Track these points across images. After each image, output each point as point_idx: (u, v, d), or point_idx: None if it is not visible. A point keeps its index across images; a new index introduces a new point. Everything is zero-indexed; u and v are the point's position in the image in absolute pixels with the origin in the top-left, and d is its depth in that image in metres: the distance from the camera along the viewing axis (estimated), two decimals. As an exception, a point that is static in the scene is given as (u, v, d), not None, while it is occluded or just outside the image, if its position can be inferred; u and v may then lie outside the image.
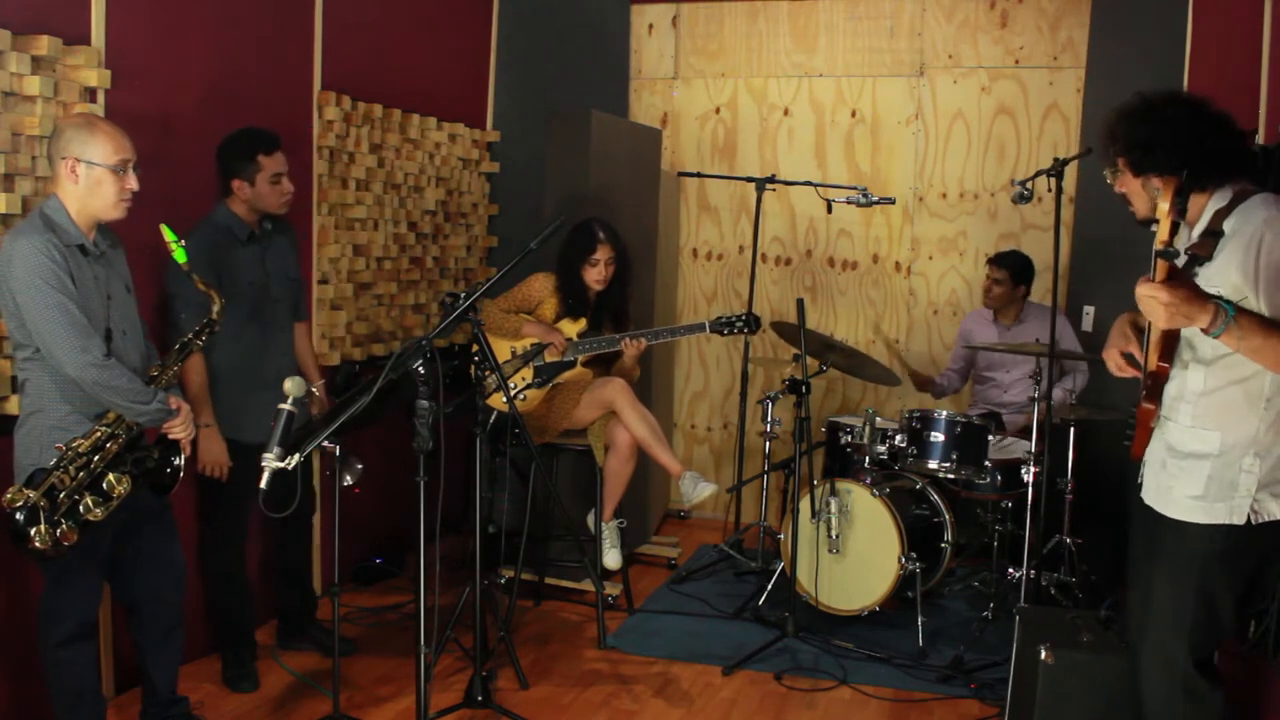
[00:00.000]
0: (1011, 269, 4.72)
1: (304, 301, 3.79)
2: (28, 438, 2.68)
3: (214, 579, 3.57)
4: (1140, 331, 2.49)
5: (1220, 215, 2.30)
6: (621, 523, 4.30)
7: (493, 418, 3.63)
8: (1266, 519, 2.31)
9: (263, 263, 3.49)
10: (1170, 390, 2.41)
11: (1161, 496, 2.44)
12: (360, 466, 3.57)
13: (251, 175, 3.37)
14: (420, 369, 2.87)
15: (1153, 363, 2.34)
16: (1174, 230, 2.10)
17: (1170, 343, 2.31)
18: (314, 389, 3.67)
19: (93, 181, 2.65)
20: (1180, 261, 2.34)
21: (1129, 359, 2.50)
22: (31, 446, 2.66)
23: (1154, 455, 2.48)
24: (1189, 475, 2.37)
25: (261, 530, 3.84)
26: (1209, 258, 2.30)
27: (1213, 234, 2.30)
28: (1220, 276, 2.25)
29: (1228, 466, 2.31)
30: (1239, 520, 2.30)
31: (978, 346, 4.63)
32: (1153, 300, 2.10)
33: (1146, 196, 2.38)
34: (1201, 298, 2.10)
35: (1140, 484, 2.54)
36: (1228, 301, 2.13)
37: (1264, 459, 2.30)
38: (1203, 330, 2.13)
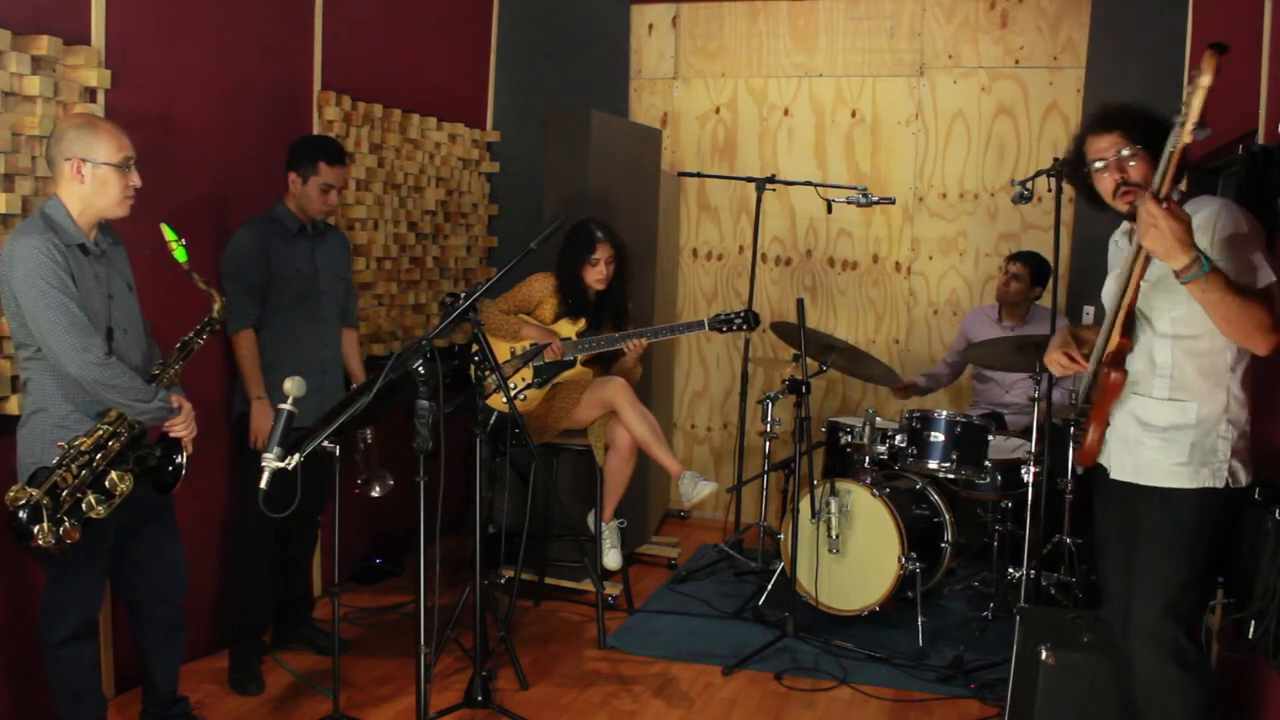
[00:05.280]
0: (1032, 266, 4.73)
1: (354, 309, 3.92)
2: (30, 436, 2.68)
3: (240, 572, 3.60)
4: (1080, 343, 2.64)
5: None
6: (622, 523, 4.30)
7: (493, 418, 3.64)
8: (1235, 485, 2.46)
9: (312, 256, 3.65)
10: (1137, 366, 2.52)
11: (1142, 470, 2.52)
12: (391, 482, 3.64)
13: (307, 175, 3.57)
14: (420, 369, 2.87)
15: (1114, 342, 2.45)
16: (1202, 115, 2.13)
17: (1130, 319, 2.44)
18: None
19: (99, 180, 2.66)
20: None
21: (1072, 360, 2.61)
22: (34, 445, 2.67)
23: (1124, 433, 2.57)
24: (1173, 445, 2.47)
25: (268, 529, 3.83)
26: None
27: None
28: None
29: (1206, 434, 2.45)
30: (1219, 483, 2.44)
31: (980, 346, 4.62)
32: (1153, 220, 2.18)
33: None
34: (1189, 243, 2.19)
35: (1101, 468, 2.64)
36: (1208, 258, 2.22)
37: (1235, 426, 2.46)
38: (1175, 272, 2.22)
